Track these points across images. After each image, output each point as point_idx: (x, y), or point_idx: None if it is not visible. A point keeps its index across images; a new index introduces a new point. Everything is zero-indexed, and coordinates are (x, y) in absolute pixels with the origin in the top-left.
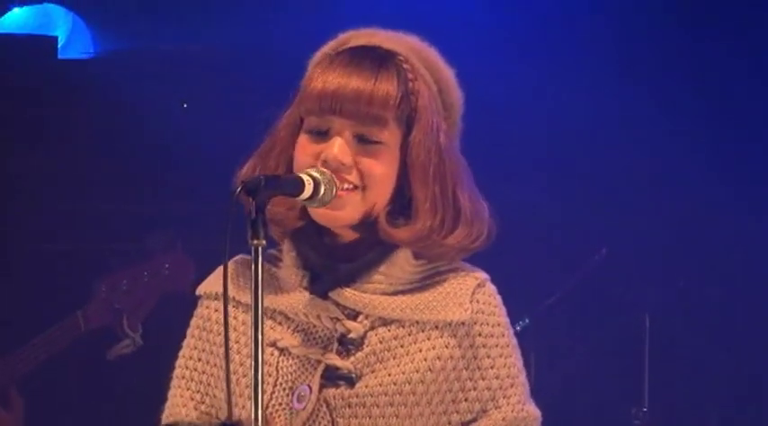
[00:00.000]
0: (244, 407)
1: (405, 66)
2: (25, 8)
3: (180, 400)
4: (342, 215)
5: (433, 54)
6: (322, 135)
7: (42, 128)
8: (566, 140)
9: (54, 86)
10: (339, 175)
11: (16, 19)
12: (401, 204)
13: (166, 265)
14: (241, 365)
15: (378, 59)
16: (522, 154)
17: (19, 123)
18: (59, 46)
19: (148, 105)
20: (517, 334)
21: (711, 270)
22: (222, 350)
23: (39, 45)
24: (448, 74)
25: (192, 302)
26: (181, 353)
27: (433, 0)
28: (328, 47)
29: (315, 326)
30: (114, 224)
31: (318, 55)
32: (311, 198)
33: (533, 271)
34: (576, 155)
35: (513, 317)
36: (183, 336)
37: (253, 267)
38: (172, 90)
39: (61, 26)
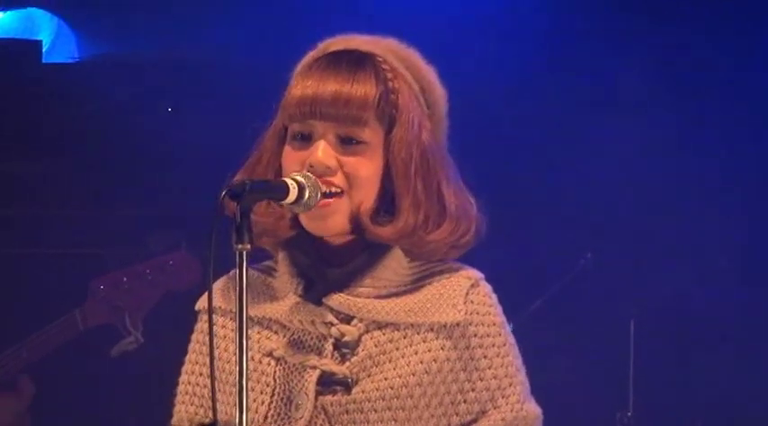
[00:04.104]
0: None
1: (383, 66)
2: (9, 12)
3: (185, 415)
4: (332, 223)
5: (412, 54)
6: (305, 140)
7: (27, 132)
8: (553, 142)
9: (39, 90)
10: (325, 180)
11: (0, 23)
12: (386, 203)
13: (170, 262)
14: (231, 374)
15: (354, 61)
16: (509, 154)
17: (3, 127)
18: (44, 50)
19: (133, 109)
20: None
21: (696, 274)
22: (223, 363)
23: (23, 49)
24: (429, 72)
25: (196, 301)
26: (183, 369)
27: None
28: (308, 56)
29: (309, 333)
30: (102, 228)
31: (299, 65)
32: (296, 202)
33: (518, 276)
34: (562, 158)
35: None
36: (186, 335)
37: (237, 271)
38: (156, 93)
39: (46, 30)
